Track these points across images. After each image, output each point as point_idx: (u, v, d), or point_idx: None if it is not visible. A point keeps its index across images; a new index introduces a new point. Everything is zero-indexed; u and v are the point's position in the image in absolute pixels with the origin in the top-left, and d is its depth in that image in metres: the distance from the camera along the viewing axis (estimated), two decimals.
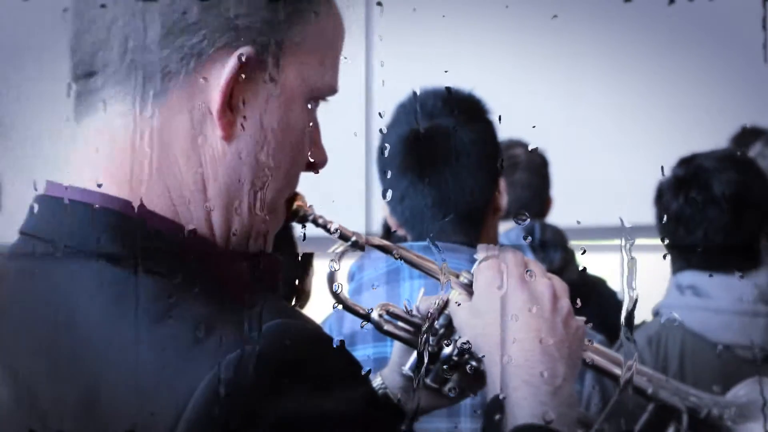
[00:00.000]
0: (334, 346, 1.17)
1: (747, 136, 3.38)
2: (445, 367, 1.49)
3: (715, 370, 2.30)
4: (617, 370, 1.48)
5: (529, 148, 2.74)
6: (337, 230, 1.34)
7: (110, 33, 1.13)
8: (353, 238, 1.36)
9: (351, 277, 2.11)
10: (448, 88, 2.03)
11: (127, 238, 1.13)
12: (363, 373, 1.22)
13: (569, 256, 2.82)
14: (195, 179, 1.15)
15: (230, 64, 1.12)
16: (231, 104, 1.13)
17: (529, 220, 2.79)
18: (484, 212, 2.07)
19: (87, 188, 1.15)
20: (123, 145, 1.15)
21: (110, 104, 1.15)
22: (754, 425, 1.47)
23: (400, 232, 2.09)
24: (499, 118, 1.93)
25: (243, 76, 1.13)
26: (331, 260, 1.40)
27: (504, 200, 2.12)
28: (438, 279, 1.48)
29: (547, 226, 2.81)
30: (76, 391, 1.10)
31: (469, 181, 2.03)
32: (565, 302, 1.39)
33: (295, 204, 1.25)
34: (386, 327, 1.49)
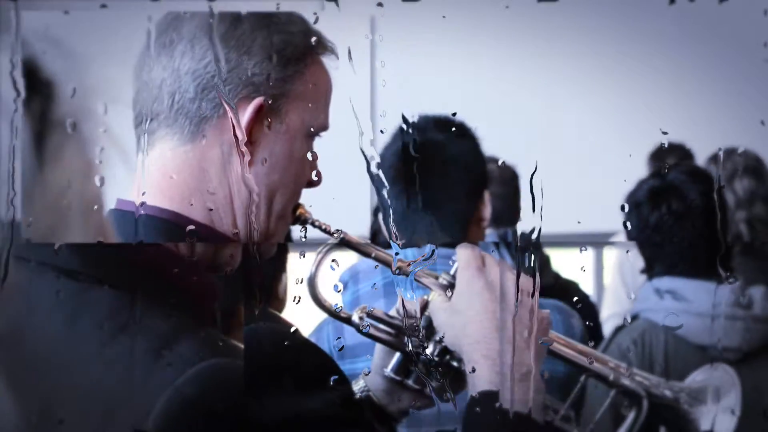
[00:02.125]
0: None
1: (663, 152, 3.53)
2: (426, 367, 1.57)
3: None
4: (581, 359, 1.58)
5: (500, 163, 2.92)
6: (325, 228, 1.58)
7: (161, 90, 1.48)
8: (341, 236, 1.58)
9: (344, 286, 2.17)
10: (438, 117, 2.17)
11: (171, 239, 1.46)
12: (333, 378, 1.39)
13: (544, 260, 2.91)
14: (224, 195, 1.49)
15: (249, 110, 1.49)
16: (251, 140, 1.49)
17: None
18: (468, 220, 2.19)
19: (147, 203, 1.47)
20: (172, 172, 1.49)
21: (162, 142, 1.50)
22: (708, 407, 1.53)
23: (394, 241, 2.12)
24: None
25: (259, 118, 1.49)
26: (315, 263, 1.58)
27: (488, 211, 2.24)
28: (416, 280, 1.59)
29: (519, 233, 2.91)
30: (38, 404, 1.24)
31: (454, 191, 2.15)
32: (511, 282, 1.52)
33: (298, 211, 1.56)
34: (367, 329, 1.60)
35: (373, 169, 1.89)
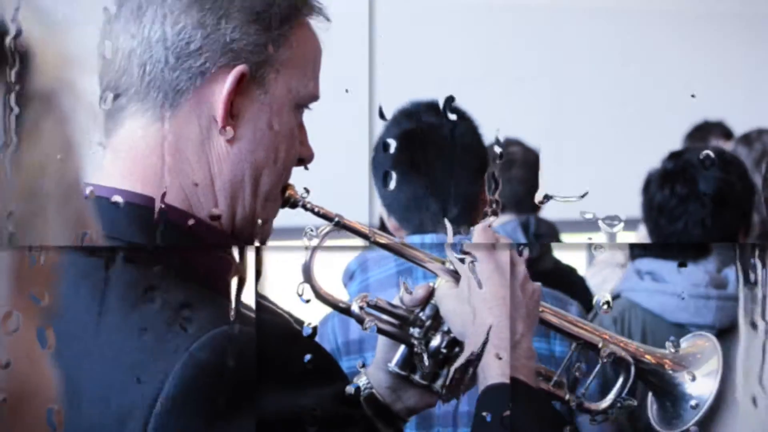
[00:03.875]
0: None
1: (704, 130, 3.52)
2: (433, 361, 1.49)
3: None
4: (572, 329, 1.57)
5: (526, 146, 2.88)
6: (318, 211, 1.49)
7: (130, 61, 1.38)
8: (335, 219, 1.48)
9: (351, 276, 2.11)
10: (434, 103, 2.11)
11: (150, 228, 1.37)
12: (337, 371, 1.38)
13: (545, 246, 2.91)
14: (204, 176, 1.39)
15: (229, 80, 1.37)
16: (232, 113, 1.38)
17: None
18: (474, 204, 2.14)
19: (117, 188, 1.39)
20: (144, 152, 1.39)
21: (133, 119, 1.39)
22: (691, 373, 1.58)
23: (398, 234, 2.13)
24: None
25: (240, 89, 1.38)
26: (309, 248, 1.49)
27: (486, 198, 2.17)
28: (420, 265, 1.53)
29: (541, 220, 2.96)
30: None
31: (459, 174, 2.11)
32: (521, 268, 1.48)
33: (287, 192, 1.46)
34: (368, 321, 1.49)
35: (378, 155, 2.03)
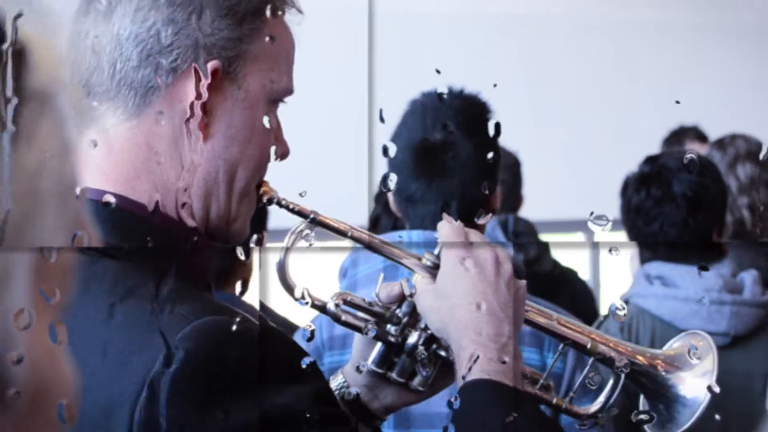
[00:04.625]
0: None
1: (680, 135, 3.66)
2: (411, 358, 1.47)
3: None
4: (559, 329, 1.52)
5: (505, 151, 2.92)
6: (293, 208, 1.46)
7: (100, 59, 1.36)
8: (311, 216, 1.45)
9: (343, 274, 2.10)
10: (452, 94, 2.11)
11: (122, 228, 1.36)
12: (305, 367, 1.32)
13: (544, 247, 2.92)
14: (177, 173, 1.36)
15: (202, 76, 1.34)
16: (205, 109, 1.35)
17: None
18: (478, 210, 2.09)
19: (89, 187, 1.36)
20: (116, 149, 1.36)
21: (104, 118, 1.37)
22: (685, 373, 1.51)
23: (399, 214, 2.16)
24: (498, 128, 2.00)
25: (214, 85, 1.36)
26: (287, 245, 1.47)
27: (498, 202, 2.21)
28: (397, 262, 1.50)
29: (519, 219, 3.00)
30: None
31: (467, 180, 2.08)
32: (507, 267, 1.44)
33: (262, 189, 1.43)
34: (344, 318, 1.47)
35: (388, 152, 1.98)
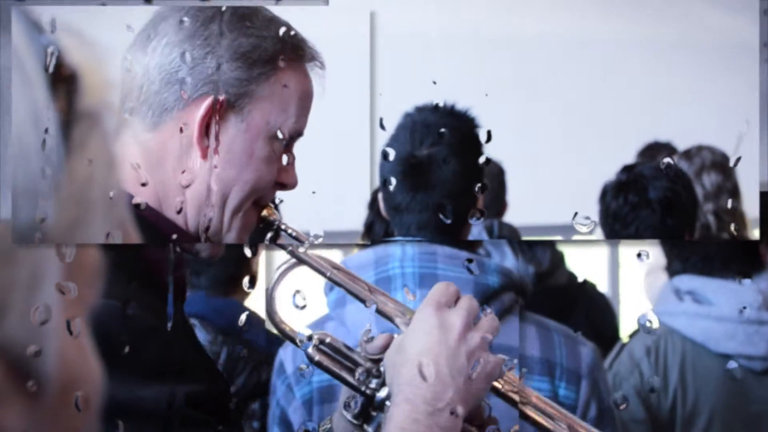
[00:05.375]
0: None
1: (653, 149, 3.88)
2: (381, 413, 1.44)
3: (718, 382, 2.17)
4: (550, 426, 1.47)
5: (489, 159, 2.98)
6: (291, 233, 1.55)
7: (133, 83, 1.56)
8: (306, 243, 1.53)
9: (331, 286, 2.03)
10: (443, 110, 2.18)
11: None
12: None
13: (558, 258, 2.83)
14: (177, 185, 1.55)
15: (205, 106, 1.53)
16: (207, 133, 1.54)
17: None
18: (466, 215, 2.14)
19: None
20: (134, 159, 1.56)
21: (127, 131, 1.55)
22: None
23: (388, 218, 2.22)
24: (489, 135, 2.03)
25: (217, 115, 1.54)
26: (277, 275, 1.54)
27: (481, 204, 2.23)
28: (384, 316, 1.50)
29: (503, 224, 3.06)
30: None
31: (456, 188, 2.11)
32: (477, 336, 1.43)
33: (264, 212, 1.57)
34: (318, 358, 1.49)
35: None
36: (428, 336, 1.42)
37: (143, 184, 1.55)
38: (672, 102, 4.28)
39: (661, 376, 2.24)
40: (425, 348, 1.41)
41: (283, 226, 1.56)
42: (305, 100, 1.59)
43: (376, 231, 2.60)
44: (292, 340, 1.50)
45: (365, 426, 1.47)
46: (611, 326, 2.92)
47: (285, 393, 2.02)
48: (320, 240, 1.55)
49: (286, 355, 2.07)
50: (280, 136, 1.56)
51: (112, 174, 0.94)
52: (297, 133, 1.59)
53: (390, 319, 1.50)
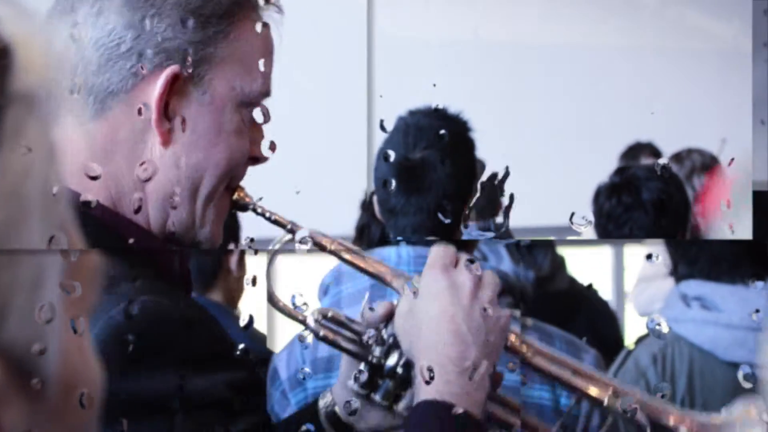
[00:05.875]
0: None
1: (635, 150, 4.05)
2: (393, 380, 1.45)
3: (727, 391, 2.10)
4: (560, 373, 1.46)
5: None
6: (270, 217, 1.44)
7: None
8: (288, 226, 1.44)
9: (325, 291, 2.08)
10: (436, 113, 2.16)
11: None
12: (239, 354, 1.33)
13: (559, 262, 2.79)
14: (135, 181, 1.36)
15: (161, 81, 1.33)
16: (167, 114, 1.34)
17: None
18: (460, 215, 2.17)
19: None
20: (75, 152, 1.35)
21: (66, 119, 1.33)
22: None
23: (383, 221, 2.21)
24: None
25: (176, 89, 1.34)
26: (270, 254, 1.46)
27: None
28: (384, 282, 1.48)
29: (498, 224, 2.91)
30: None
31: (450, 190, 2.12)
32: (487, 293, 1.42)
33: (236, 194, 1.41)
34: (323, 333, 1.47)
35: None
36: (440, 298, 1.41)
37: (93, 178, 1.35)
38: (665, 105, 4.26)
39: (669, 384, 2.14)
40: (439, 311, 1.40)
41: (259, 210, 1.43)
42: (268, 54, 1.42)
43: (372, 233, 2.55)
44: (295, 318, 1.47)
45: (372, 395, 1.47)
46: (614, 332, 2.90)
47: (279, 400, 2.00)
48: (309, 244, 1.46)
49: (280, 361, 2.05)
50: (249, 101, 1.40)
51: (52, 167, 0.83)
52: (263, 96, 1.41)
53: (388, 284, 1.49)
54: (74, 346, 0.82)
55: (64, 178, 0.85)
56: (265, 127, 1.43)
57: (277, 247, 1.45)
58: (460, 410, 1.35)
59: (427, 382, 1.36)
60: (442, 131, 2.15)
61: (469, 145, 2.18)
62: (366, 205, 2.60)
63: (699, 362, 2.20)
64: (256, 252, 1.48)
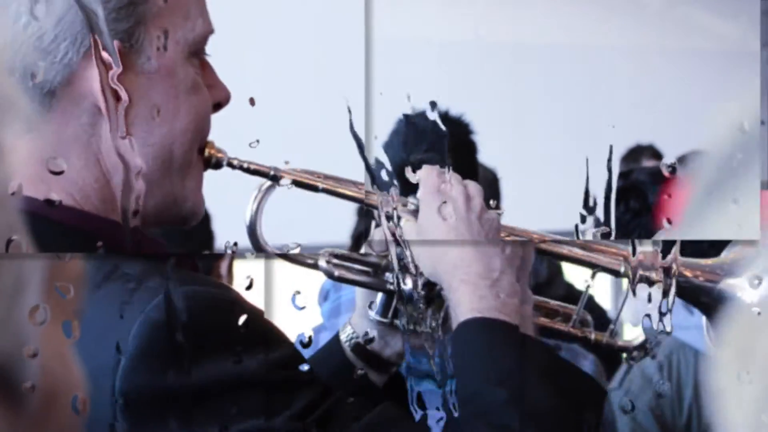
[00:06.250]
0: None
1: (636, 153, 4.05)
2: (412, 304, 1.48)
3: None
4: (579, 254, 1.51)
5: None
6: (248, 167, 1.37)
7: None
8: (271, 173, 1.39)
9: (324, 296, 2.09)
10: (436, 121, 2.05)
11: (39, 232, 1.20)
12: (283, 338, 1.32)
13: (555, 269, 2.77)
14: (97, 176, 1.26)
15: (97, 63, 1.21)
16: (117, 96, 1.22)
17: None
18: None
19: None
20: (27, 157, 1.21)
21: (8, 126, 1.19)
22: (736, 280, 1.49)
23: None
24: None
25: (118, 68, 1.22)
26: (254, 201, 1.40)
27: None
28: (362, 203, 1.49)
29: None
30: None
31: None
32: (477, 201, 1.45)
33: (207, 152, 1.32)
34: (338, 273, 1.48)
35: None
36: (442, 216, 1.44)
37: (56, 173, 1.24)
38: (671, 108, 4.17)
39: (676, 392, 2.19)
40: (448, 227, 1.43)
41: (236, 162, 1.35)
42: None
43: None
44: (308, 265, 1.47)
45: (395, 321, 1.51)
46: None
47: None
48: (298, 249, 1.45)
49: None
50: (196, 49, 1.29)
51: (2, 167, 0.81)
52: (207, 35, 1.30)
53: (369, 204, 1.51)
54: (55, 351, 0.81)
55: (7, 180, 0.81)
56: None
57: (260, 197, 1.39)
58: (502, 319, 1.37)
59: (462, 302, 1.38)
60: (443, 132, 2.14)
61: (470, 149, 2.16)
62: (363, 212, 2.56)
63: (705, 368, 2.16)
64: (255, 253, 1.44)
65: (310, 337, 1.41)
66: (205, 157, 1.32)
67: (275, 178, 1.38)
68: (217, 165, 1.33)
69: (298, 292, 1.45)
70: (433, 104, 2.14)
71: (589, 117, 4.35)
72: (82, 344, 1.22)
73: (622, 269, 1.47)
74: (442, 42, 3.67)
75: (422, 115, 2.11)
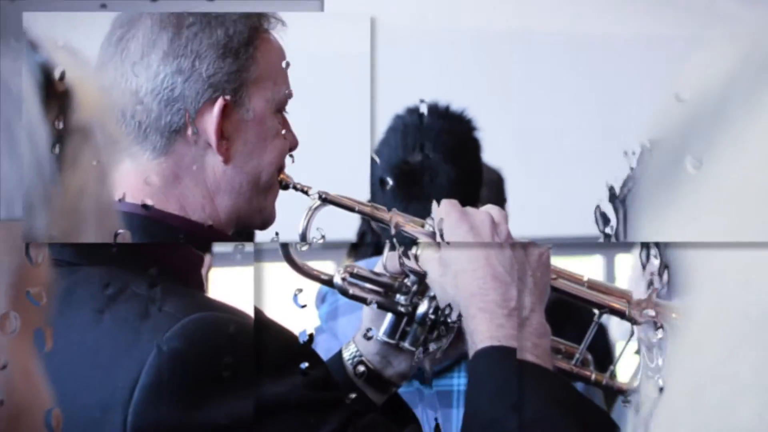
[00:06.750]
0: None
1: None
2: (422, 327, 1.51)
3: None
4: (592, 296, 1.51)
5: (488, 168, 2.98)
6: (306, 190, 1.67)
7: (125, 116, 1.56)
8: (323, 195, 1.65)
9: (322, 299, 2.09)
10: (437, 112, 2.13)
11: (146, 233, 1.55)
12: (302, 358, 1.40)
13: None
14: (203, 195, 1.59)
15: (215, 112, 1.57)
16: (224, 136, 1.59)
17: None
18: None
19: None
20: (149, 180, 1.57)
21: (134, 158, 1.58)
22: None
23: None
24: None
25: (226, 114, 1.58)
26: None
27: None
28: (403, 231, 1.58)
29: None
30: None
31: (452, 196, 2.01)
32: (503, 228, 1.51)
33: (280, 176, 1.65)
34: (352, 291, 1.57)
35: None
36: (468, 243, 1.48)
37: (145, 207, 1.55)
38: (692, 97, 4.14)
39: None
40: (470, 255, 1.47)
41: (298, 186, 1.65)
42: (282, 62, 1.65)
43: (367, 241, 2.40)
44: (324, 281, 1.58)
45: (401, 343, 1.55)
46: (603, 345, 2.78)
47: None
48: (321, 240, 1.63)
49: None
50: (280, 107, 1.63)
51: (104, 187, 0.98)
52: (289, 98, 1.66)
53: (413, 236, 1.57)
54: (19, 367, 0.83)
55: (111, 195, 1.00)
56: None
57: (310, 214, 1.64)
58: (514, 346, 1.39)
59: (478, 331, 1.41)
60: (444, 130, 2.07)
61: (474, 146, 2.13)
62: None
63: None
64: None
65: (311, 335, 1.48)
66: (279, 180, 1.65)
67: (324, 200, 1.65)
68: (286, 187, 1.66)
69: (300, 290, 1.57)
70: (422, 100, 2.12)
71: (604, 113, 4.24)
72: (85, 371, 1.34)
73: (627, 311, 1.49)
74: (441, 32, 3.51)
75: (415, 110, 2.08)
